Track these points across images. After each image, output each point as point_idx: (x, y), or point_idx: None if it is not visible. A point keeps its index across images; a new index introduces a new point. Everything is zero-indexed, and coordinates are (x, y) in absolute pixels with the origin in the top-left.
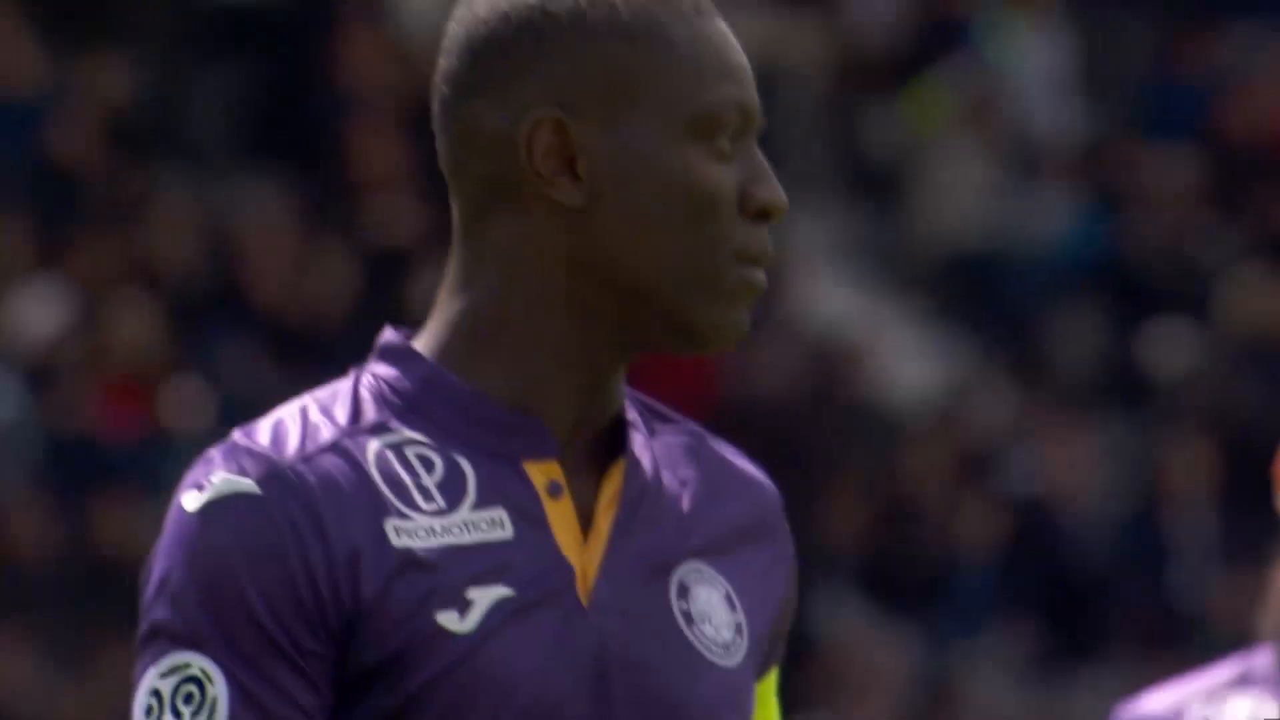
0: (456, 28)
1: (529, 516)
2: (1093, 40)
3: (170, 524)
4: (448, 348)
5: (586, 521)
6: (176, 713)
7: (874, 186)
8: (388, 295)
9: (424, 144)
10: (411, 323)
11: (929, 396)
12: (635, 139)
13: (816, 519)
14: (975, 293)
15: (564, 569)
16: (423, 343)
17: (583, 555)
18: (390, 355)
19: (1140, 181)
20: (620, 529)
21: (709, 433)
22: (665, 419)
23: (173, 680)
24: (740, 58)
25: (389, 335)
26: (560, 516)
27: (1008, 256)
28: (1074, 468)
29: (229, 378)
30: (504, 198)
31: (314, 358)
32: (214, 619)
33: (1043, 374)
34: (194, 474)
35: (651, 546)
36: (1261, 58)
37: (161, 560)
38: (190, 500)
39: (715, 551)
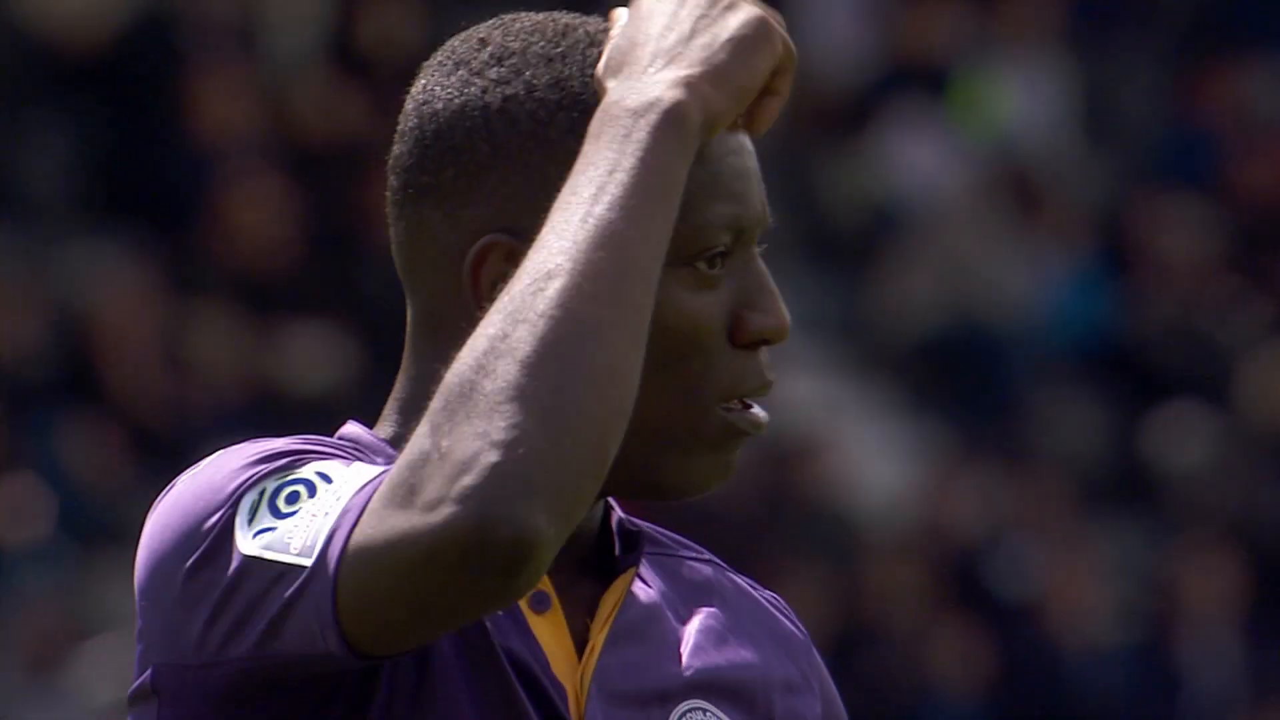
0: (411, 107)
1: (510, 629)
2: (1094, 80)
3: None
4: None
5: (582, 640)
6: (280, 512)
7: (836, 252)
8: (273, 372)
9: (307, 196)
10: (302, 403)
11: (900, 498)
12: None
13: None
14: (955, 375)
15: (556, 686)
16: (388, 437)
17: (574, 674)
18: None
19: (1150, 244)
20: (612, 647)
21: (726, 564)
22: (684, 544)
23: (275, 485)
24: (741, 162)
25: (353, 429)
26: (549, 631)
27: (993, 332)
28: (1072, 583)
29: (74, 477)
30: (453, 316)
31: (181, 452)
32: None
33: (1035, 471)
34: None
35: (652, 672)
36: None
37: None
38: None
39: (728, 693)
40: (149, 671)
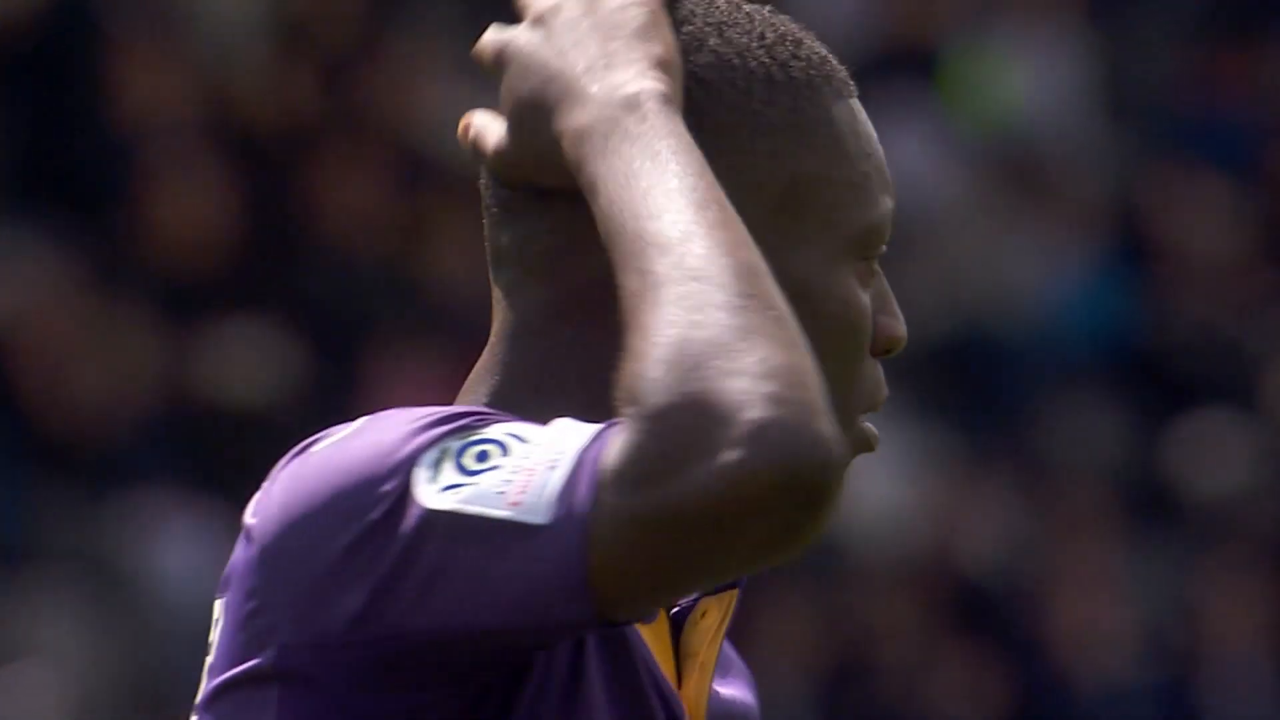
0: None
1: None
2: (1113, 57)
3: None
4: None
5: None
6: (470, 469)
7: None
8: (203, 379)
9: (244, 185)
10: (235, 413)
11: (902, 517)
12: (798, 257)
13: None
14: (960, 383)
15: (676, 700)
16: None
17: (684, 692)
18: None
19: (1174, 237)
20: (719, 671)
21: None
22: None
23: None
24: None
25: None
26: (654, 642)
27: (1002, 335)
28: (1090, 612)
29: None
30: (599, 301)
31: (101, 474)
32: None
33: (1048, 488)
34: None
35: (731, 700)
36: None
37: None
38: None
39: None
40: (271, 652)
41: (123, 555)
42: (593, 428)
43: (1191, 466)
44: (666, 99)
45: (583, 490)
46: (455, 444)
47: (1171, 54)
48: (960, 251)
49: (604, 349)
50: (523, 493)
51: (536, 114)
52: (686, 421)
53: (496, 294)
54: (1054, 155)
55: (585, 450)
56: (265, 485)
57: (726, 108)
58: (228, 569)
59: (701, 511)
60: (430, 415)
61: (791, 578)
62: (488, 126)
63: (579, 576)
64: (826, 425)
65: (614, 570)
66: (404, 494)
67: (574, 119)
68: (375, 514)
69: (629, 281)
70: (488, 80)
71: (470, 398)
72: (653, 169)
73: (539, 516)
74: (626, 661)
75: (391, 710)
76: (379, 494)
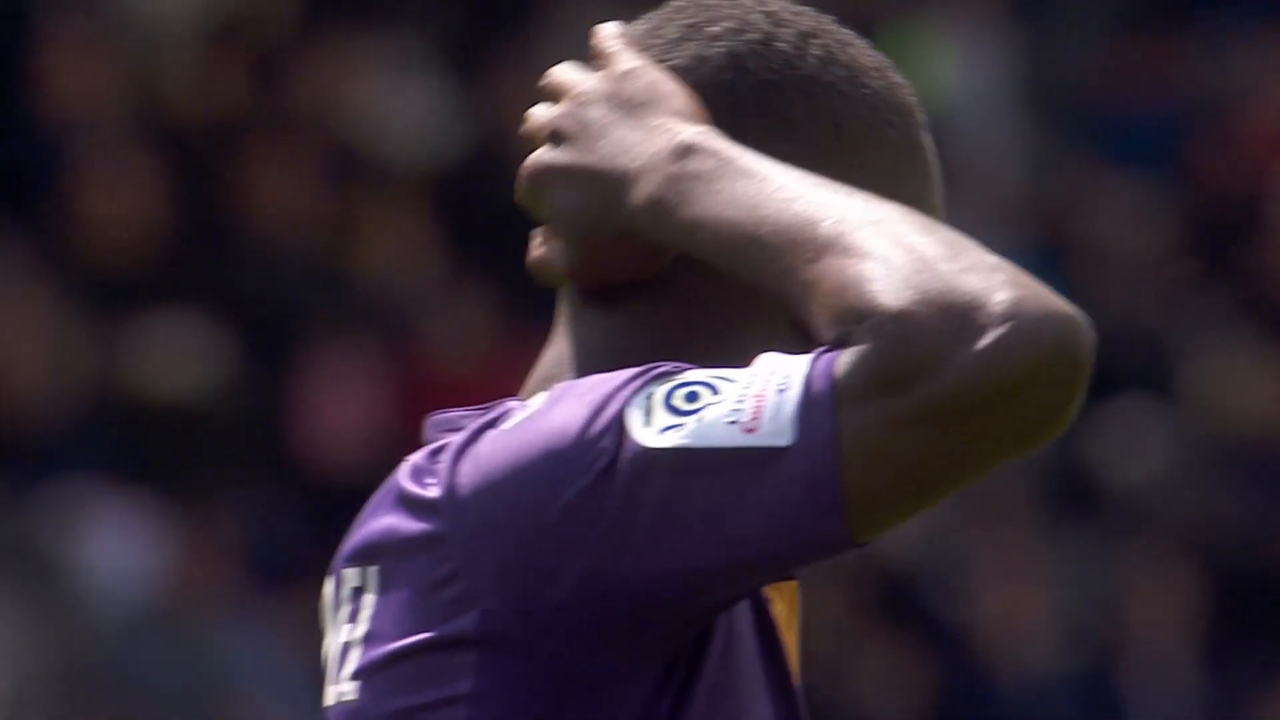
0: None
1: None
2: (1037, 53)
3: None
4: None
5: None
6: (679, 409)
7: None
8: (131, 375)
9: (174, 179)
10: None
11: None
12: None
13: None
14: None
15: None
16: None
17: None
18: None
19: (1095, 232)
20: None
21: None
22: None
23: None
24: None
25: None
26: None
27: None
28: (1011, 602)
29: None
30: (748, 298)
31: (31, 466)
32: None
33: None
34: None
35: None
36: (1248, 66)
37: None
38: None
39: None
40: (470, 618)
41: (53, 547)
42: (804, 356)
43: (1111, 456)
44: (713, 133)
45: (824, 405)
46: (660, 389)
47: (1091, 50)
48: None
49: (677, 324)
50: (756, 418)
51: (595, 217)
52: (933, 317)
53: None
54: (975, 148)
55: (812, 369)
56: (441, 461)
57: (860, 122)
58: (370, 539)
59: (967, 399)
60: (623, 374)
61: None
62: (548, 249)
63: (833, 491)
64: (1067, 302)
65: (870, 480)
66: (618, 446)
67: (639, 195)
68: (590, 473)
69: (797, 271)
70: (420, 76)
71: (543, 381)
72: (750, 182)
73: (782, 438)
74: (771, 630)
75: (600, 672)
76: (592, 453)
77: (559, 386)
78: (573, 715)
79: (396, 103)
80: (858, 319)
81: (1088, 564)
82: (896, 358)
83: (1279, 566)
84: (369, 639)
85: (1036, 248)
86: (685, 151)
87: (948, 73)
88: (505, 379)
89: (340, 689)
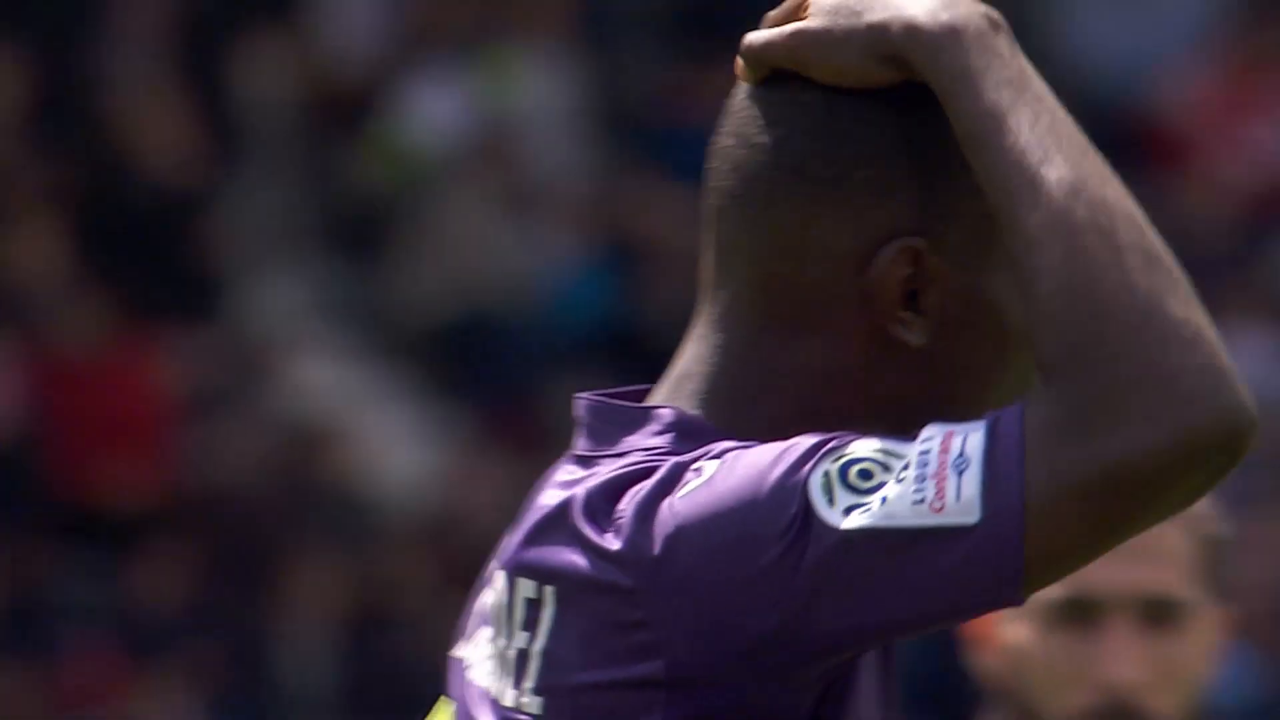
0: (805, 106)
1: None
2: (600, 73)
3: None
4: None
5: None
6: (851, 487)
7: (352, 238)
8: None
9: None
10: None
11: (417, 485)
12: (998, 280)
13: (283, 630)
14: (468, 361)
15: None
16: (737, 430)
17: None
18: (694, 434)
19: (653, 233)
20: None
21: None
22: None
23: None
24: None
25: (674, 413)
26: None
27: (504, 318)
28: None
29: None
30: (820, 314)
31: None
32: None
33: (553, 456)
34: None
35: None
36: None
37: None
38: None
39: None
40: (660, 663)
41: None
42: (976, 422)
43: None
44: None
45: (1011, 482)
46: (834, 466)
47: (648, 73)
48: (466, 242)
49: (816, 359)
50: (940, 497)
51: (861, 73)
52: (1122, 384)
53: (709, 291)
54: (548, 161)
55: (992, 440)
56: (622, 513)
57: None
58: (546, 563)
59: (1148, 469)
60: (797, 448)
61: (321, 537)
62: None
63: (1017, 565)
64: (1239, 384)
65: (1052, 547)
66: (805, 522)
67: (937, 12)
68: (780, 544)
69: (1011, 196)
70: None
71: (676, 398)
72: (1032, 97)
73: (969, 517)
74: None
75: (776, 698)
76: (780, 526)
77: (730, 455)
78: None
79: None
80: (1051, 369)
81: None
82: (1084, 422)
83: None
84: (549, 657)
85: (603, 248)
86: (997, 24)
87: (522, 92)
88: (128, 370)
89: (521, 699)
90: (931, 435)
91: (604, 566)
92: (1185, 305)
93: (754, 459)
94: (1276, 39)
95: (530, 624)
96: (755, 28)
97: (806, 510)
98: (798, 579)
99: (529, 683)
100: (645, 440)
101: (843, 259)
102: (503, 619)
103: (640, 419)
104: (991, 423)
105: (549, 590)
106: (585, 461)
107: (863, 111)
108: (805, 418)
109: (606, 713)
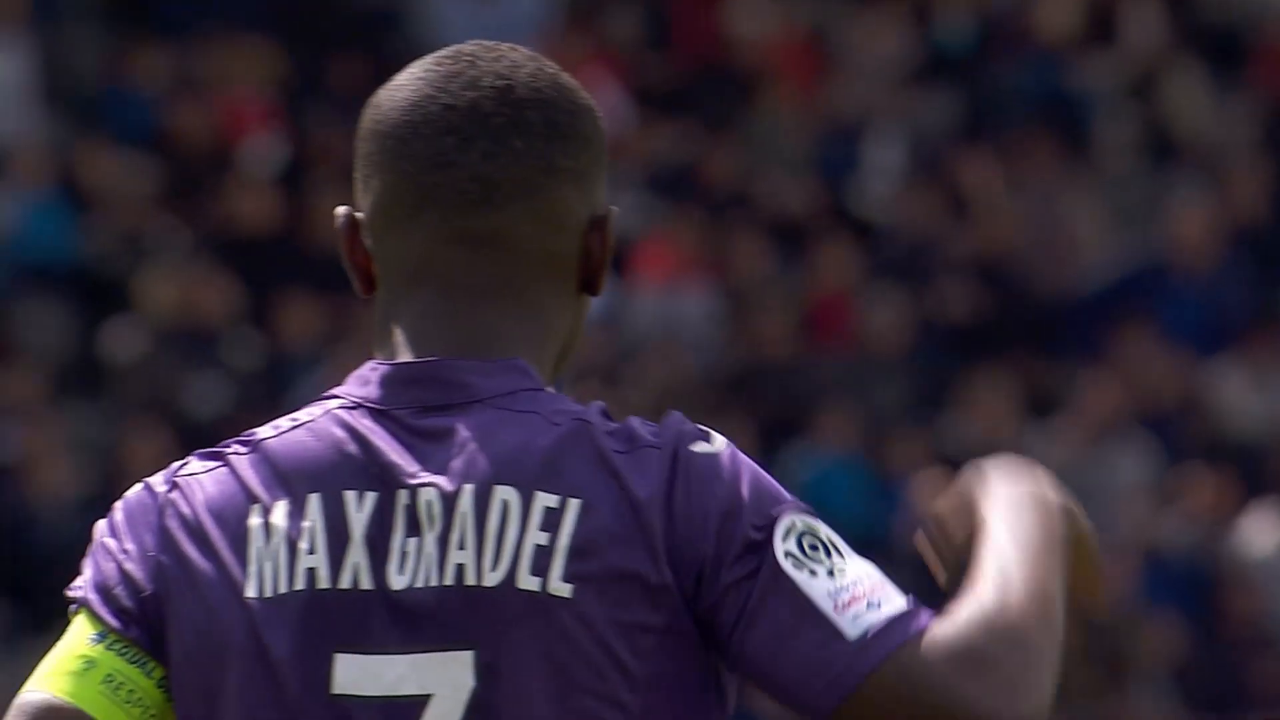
0: (545, 104)
1: None
2: (50, 50)
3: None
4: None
5: None
6: (819, 558)
7: None
8: None
9: None
10: None
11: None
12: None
13: None
14: None
15: None
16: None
17: None
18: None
19: (100, 183)
20: None
21: None
22: None
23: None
24: None
25: (519, 368)
26: None
27: None
28: (42, 456)
29: None
30: (573, 270)
31: None
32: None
33: (13, 366)
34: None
35: None
36: (208, 67)
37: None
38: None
39: None
40: (668, 575)
41: None
42: (901, 597)
43: (114, 349)
44: (1063, 508)
45: (891, 641)
46: (800, 523)
47: (93, 50)
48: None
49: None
50: (848, 609)
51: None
52: (1006, 652)
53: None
54: (9, 123)
55: (906, 614)
56: (649, 458)
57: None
58: (571, 481)
59: (961, 712)
60: (777, 485)
61: None
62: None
63: (850, 685)
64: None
65: (869, 698)
66: (771, 531)
67: (1029, 492)
68: (757, 532)
69: (1007, 549)
70: None
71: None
72: (1035, 528)
73: (853, 631)
74: None
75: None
76: (765, 516)
77: (726, 443)
78: (711, 657)
79: None
80: (975, 628)
81: (100, 436)
82: (948, 670)
83: None
84: (579, 552)
85: (57, 194)
86: (1056, 511)
87: None
88: None
89: (552, 585)
90: (872, 575)
91: (632, 498)
92: (1049, 672)
93: (754, 470)
94: (597, 38)
95: (552, 525)
96: (184, 10)
97: (773, 526)
98: (747, 559)
99: (557, 571)
100: (513, 384)
101: (576, 228)
102: (468, 526)
103: (494, 370)
104: (915, 605)
105: (574, 503)
106: (446, 410)
107: (574, 100)
108: (547, 348)
109: (633, 604)
